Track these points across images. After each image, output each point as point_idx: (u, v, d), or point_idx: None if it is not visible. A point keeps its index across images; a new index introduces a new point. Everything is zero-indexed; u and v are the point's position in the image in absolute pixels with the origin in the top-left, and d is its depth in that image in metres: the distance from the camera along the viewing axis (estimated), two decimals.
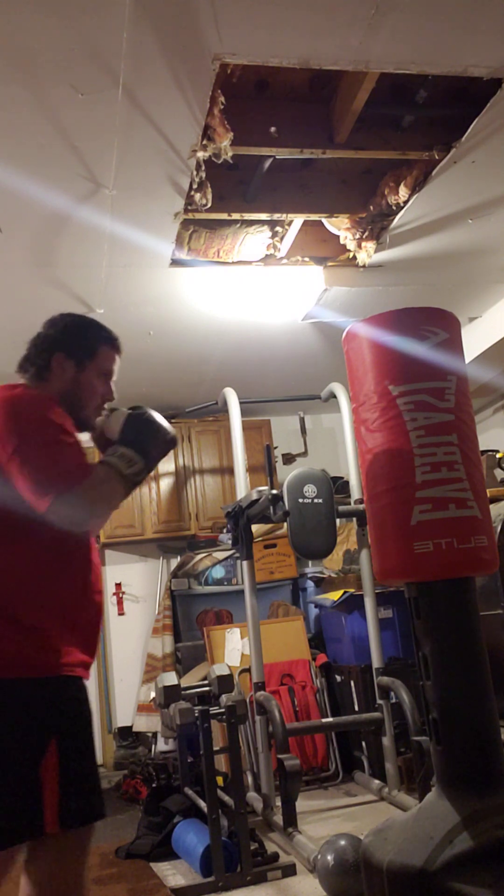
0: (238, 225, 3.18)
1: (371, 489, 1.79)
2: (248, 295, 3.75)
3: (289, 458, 5.83)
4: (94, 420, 1.76)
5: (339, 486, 4.37)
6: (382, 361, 1.77)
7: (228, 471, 5.16)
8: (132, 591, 5.38)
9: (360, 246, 3.26)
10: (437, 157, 2.73)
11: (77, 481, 1.51)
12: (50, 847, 1.46)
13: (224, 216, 3.04)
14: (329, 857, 2.48)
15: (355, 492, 3.84)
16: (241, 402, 4.02)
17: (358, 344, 1.83)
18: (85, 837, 1.52)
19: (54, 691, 1.52)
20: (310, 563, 5.03)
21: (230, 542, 3.80)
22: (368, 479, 1.80)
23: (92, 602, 1.66)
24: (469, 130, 2.60)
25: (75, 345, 1.75)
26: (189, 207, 2.87)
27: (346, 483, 4.24)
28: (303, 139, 2.65)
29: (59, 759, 1.47)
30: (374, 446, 1.77)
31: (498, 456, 4.70)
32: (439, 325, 1.79)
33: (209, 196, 2.76)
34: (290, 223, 3.24)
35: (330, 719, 3.89)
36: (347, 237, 3.25)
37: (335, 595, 4.25)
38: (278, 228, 3.27)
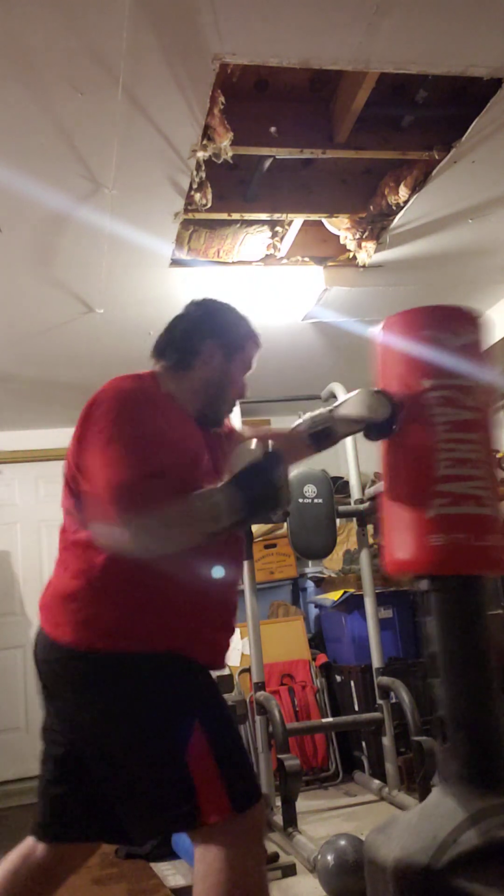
0: (238, 225, 3.18)
1: (391, 480, 1.79)
2: (248, 295, 3.74)
3: None
4: (224, 415, 1.69)
5: (339, 486, 4.37)
6: (416, 355, 1.76)
7: None
8: None
9: (360, 246, 3.26)
10: (437, 157, 2.73)
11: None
12: (225, 832, 1.39)
13: (224, 216, 3.04)
14: (329, 857, 2.48)
15: (355, 492, 3.84)
16: (241, 402, 4.00)
17: (392, 337, 1.83)
18: (257, 817, 1.46)
19: (188, 664, 1.47)
20: (310, 563, 5.02)
21: None
22: (389, 470, 1.80)
23: None
24: (469, 130, 2.60)
25: (226, 334, 1.68)
26: (189, 207, 2.87)
27: (346, 483, 4.24)
28: (303, 139, 2.65)
29: (209, 741, 1.40)
30: (399, 437, 1.77)
31: (498, 456, 4.69)
32: (470, 324, 1.80)
33: (209, 196, 2.76)
34: (290, 223, 3.24)
35: (330, 719, 3.89)
36: (347, 237, 3.25)
37: (335, 595, 4.25)
38: (278, 228, 3.27)
